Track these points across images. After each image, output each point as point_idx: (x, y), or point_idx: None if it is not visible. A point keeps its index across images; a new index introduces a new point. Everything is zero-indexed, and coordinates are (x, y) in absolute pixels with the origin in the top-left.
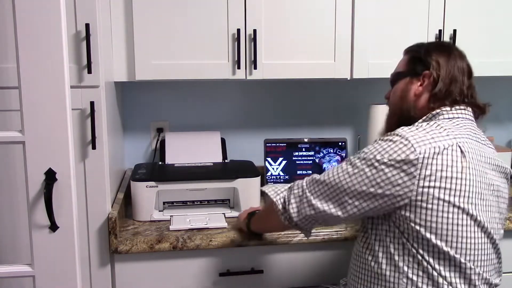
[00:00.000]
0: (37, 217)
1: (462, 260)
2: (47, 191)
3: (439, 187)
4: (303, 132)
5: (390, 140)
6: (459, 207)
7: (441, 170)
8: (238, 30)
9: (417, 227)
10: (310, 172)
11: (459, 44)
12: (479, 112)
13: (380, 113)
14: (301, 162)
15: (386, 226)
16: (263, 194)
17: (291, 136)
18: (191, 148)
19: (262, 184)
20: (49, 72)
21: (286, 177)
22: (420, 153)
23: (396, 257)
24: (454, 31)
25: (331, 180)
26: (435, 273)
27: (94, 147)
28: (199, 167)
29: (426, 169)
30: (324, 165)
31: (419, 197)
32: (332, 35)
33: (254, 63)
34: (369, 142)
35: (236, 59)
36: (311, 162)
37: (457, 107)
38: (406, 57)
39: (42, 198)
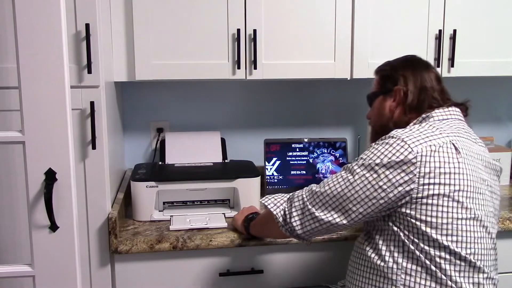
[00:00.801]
0: (37, 217)
1: (463, 254)
2: (47, 191)
3: (439, 183)
4: (303, 132)
5: (387, 143)
6: (458, 201)
7: (439, 167)
8: (238, 30)
9: (418, 223)
10: (304, 172)
11: (459, 44)
12: (463, 110)
13: None
14: (295, 162)
15: (386, 224)
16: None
17: (291, 136)
18: (191, 148)
19: (262, 184)
20: (49, 72)
21: (280, 177)
22: (417, 152)
23: (396, 254)
24: (454, 31)
25: (333, 190)
26: (434, 268)
27: (94, 147)
28: (199, 167)
29: (425, 167)
30: (318, 165)
31: (419, 194)
32: (332, 35)
33: (254, 63)
34: (369, 142)
35: (236, 59)
36: (305, 162)
37: (445, 108)
38: (377, 76)
39: (42, 198)
